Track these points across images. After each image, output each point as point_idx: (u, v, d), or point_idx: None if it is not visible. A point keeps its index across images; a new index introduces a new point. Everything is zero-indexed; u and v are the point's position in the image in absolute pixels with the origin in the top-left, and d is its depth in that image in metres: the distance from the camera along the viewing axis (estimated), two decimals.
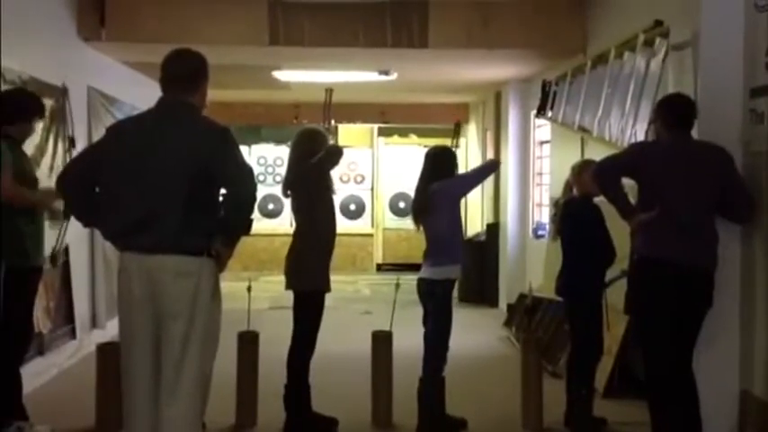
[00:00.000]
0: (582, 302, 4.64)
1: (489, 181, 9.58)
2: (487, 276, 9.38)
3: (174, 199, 3.16)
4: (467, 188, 4.91)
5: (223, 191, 3.30)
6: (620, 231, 4.28)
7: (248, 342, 4.79)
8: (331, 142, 4.87)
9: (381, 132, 13.10)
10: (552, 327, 6.33)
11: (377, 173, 13.08)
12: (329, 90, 5.28)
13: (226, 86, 8.72)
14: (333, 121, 5.37)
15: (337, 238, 4.70)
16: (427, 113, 11.60)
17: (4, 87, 5.01)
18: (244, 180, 3.27)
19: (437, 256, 4.65)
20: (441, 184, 4.67)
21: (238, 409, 4.72)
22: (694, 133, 3.92)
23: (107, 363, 4.45)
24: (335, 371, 5.66)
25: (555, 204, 5.04)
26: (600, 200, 4.34)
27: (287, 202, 11.77)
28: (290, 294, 4.65)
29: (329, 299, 4.66)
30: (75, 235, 5.83)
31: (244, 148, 9.89)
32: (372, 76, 8.59)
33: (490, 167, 4.97)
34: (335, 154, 4.59)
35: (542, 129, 8.50)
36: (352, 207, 12.88)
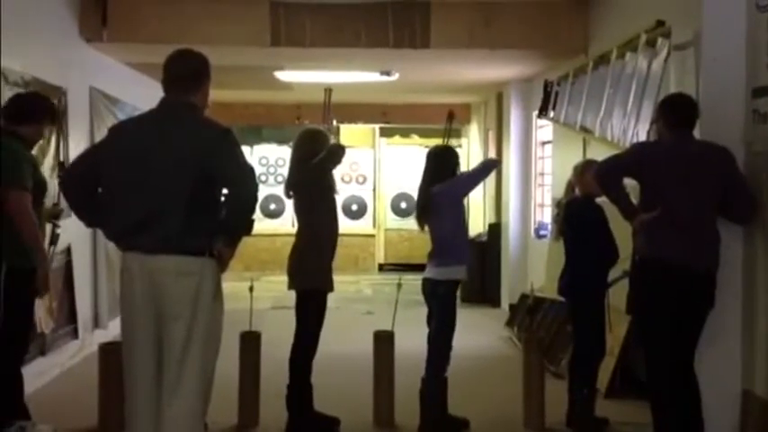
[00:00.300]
0: (584, 303, 4.64)
1: (491, 181, 9.58)
2: (489, 276, 9.38)
3: (176, 199, 3.16)
4: (468, 188, 4.91)
5: (225, 191, 3.31)
6: (622, 232, 4.28)
7: (250, 342, 4.79)
8: (332, 142, 4.87)
9: (383, 133, 13.11)
10: (554, 327, 6.33)
11: (378, 173, 13.09)
12: (328, 90, 5.28)
13: (227, 87, 8.73)
14: (334, 122, 5.36)
15: (339, 239, 4.70)
16: (429, 114, 11.59)
17: (7, 88, 5.02)
18: (245, 180, 3.27)
19: (441, 257, 4.66)
20: (442, 186, 4.67)
21: (240, 409, 4.72)
22: (696, 133, 3.91)
23: (109, 363, 4.45)
24: (337, 371, 5.66)
25: (557, 205, 5.04)
26: (602, 200, 4.33)
27: (288, 203, 11.79)
28: (292, 294, 4.66)
29: (331, 299, 4.66)
30: (78, 235, 5.84)
31: (245, 149, 9.85)
32: (374, 77, 8.59)
33: (490, 166, 4.98)
34: (337, 152, 4.60)
35: (544, 129, 8.49)
36: (354, 207, 12.89)
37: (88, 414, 4.60)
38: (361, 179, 13.04)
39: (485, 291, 9.35)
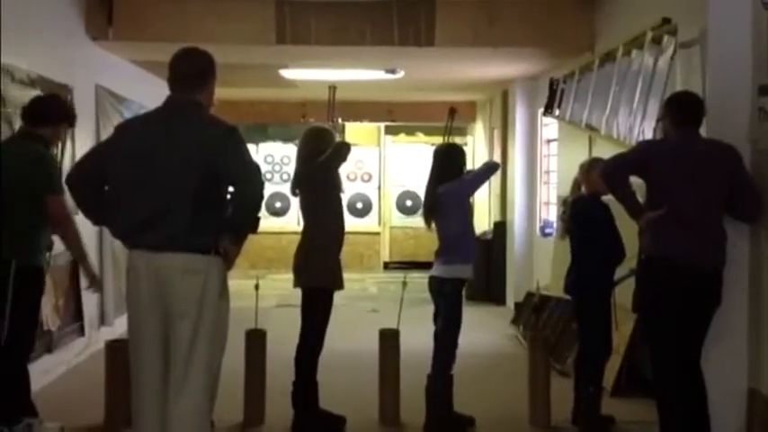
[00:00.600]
0: (591, 301, 4.64)
1: (496, 179, 9.58)
2: (495, 274, 9.38)
3: (182, 197, 3.17)
4: (472, 189, 4.90)
5: (231, 189, 3.31)
6: (629, 230, 4.27)
7: (256, 340, 4.80)
8: (338, 140, 4.88)
9: (388, 131, 13.11)
10: (560, 325, 6.32)
11: (384, 171, 13.09)
12: (333, 87, 5.28)
13: (233, 85, 8.72)
14: (339, 119, 5.36)
15: (344, 237, 4.71)
16: (434, 112, 11.55)
17: (13, 86, 5.04)
18: (251, 178, 3.27)
19: (448, 255, 4.67)
20: (449, 186, 4.68)
21: (246, 407, 4.73)
22: (703, 131, 3.91)
23: (116, 360, 4.46)
24: (343, 369, 5.67)
25: (564, 203, 5.04)
26: (609, 198, 4.33)
27: (294, 201, 11.80)
28: (297, 292, 4.66)
29: (336, 297, 4.67)
30: (84, 233, 5.83)
31: (251, 147, 9.89)
32: (379, 75, 8.59)
33: (492, 168, 4.97)
34: (343, 150, 4.60)
35: (549, 127, 8.49)
36: (359, 205, 12.89)
37: (95, 411, 4.61)
38: (366, 177, 13.05)
39: (490, 289, 9.34)
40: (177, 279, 3.17)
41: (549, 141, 8.66)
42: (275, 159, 12.94)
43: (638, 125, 5.09)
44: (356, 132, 12.44)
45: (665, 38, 4.90)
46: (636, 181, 3.93)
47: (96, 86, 6.78)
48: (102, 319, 6.80)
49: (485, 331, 7.51)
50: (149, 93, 7.10)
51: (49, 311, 5.49)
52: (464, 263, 4.69)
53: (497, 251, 9.43)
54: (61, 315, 5.86)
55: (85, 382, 5.42)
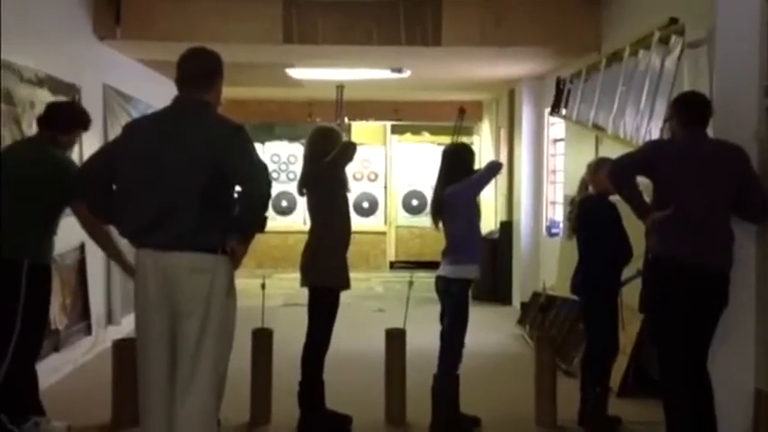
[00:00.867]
0: (598, 301, 4.63)
1: (503, 179, 9.57)
2: (501, 274, 9.37)
3: (190, 196, 3.18)
4: (478, 190, 4.87)
5: (238, 188, 3.32)
6: (636, 230, 4.26)
7: (262, 339, 4.81)
8: (344, 139, 4.88)
9: (394, 130, 13.10)
10: (566, 325, 6.32)
11: (390, 170, 13.09)
12: (340, 87, 5.28)
13: (240, 84, 8.74)
14: (346, 119, 5.37)
15: (351, 236, 4.71)
16: (440, 111, 11.58)
17: (22, 86, 5.06)
18: (258, 178, 3.28)
19: (454, 255, 4.68)
20: (455, 187, 4.69)
21: (253, 406, 4.74)
22: (710, 131, 3.90)
23: (123, 359, 4.48)
24: (349, 368, 5.68)
25: (570, 203, 5.04)
26: (616, 198, 4.33)
27: (300, 200, 11.80)
28: (303, 291, 4.67)
29: (342, 296, 4.67)
30: None
31: (257, 146, 9.88)
32: (385, 74, 8.59)
33: (494, 168, 4.96)
34: (349, 149, 4.61)
35: (556, 126, 8.48)
36: (366, 204, 12.89)
37: (102, 410, 4.63)
38: (372, 176, 13.05)
39: (496, 289, 9.34)
40: (184, 278, 3.19)
41: (555, 141, 8.65)
42: (282, 158, 12.95)
43: (645, 125, 5.08)
44: (362, 132, 12.44)
45: (673, 38, 4.89)
46: (643, 181, 3.93)
47: (104, 86, 6.80)
48: (110, 318, 6.82)
49: (491, 331, 7.51)
50: (157, 92, 7.13)
51: (56, 310, 5.50)
52: (471, 263, 4.69)
53: (504, 251, 9.42)
54: (68, 314, 5.88)
55: (93, 381, 5.44)
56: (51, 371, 5.35)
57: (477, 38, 6.75)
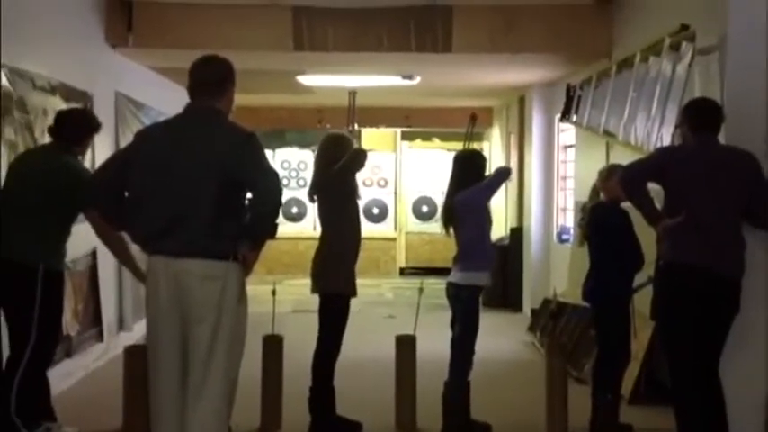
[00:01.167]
0: (609, 308, 4.62)
1: (513, 185, 9.56)
2: (511, 281, 9.35)
3: (201, 203, 3.20)
4: (487, 197, 4.86)
5: (249, 195, 3.33)
6: (647, 237, 4.25)
7: (273, 345, 4.81)
8: (355, 146, 4.89)
9: (404, 136, 13.12)
10: (577, 332, 6.30)
11: (400, 177, 13.10)
12: (353, 93, 5.29)
13: (251, 91, 8.78)
14: (356, 125, 5.38)
15: (361, 243, 4.72)
16: (451, 117, 11.59)
17: (35, 93, 5.10)
18: (269, 184, 3.29)
19: (464, 262, 4.68)
20: (465, 194, 4.70)
21: (263, 412, 4.75)
22: (721, 138, 3.89)
23: (134, 365, 4.48)
24: (360, 374, 5.68)
25: (582, 209, 5.03)
26: (627, 205, 4.32)
27: (310, 206, 11.81)
28: (314, 298, 4.68)
29: (353, 302, 4.68)
30: None
31: (268, 152, 9.93)
32: (396, 81, 8.61)
33: (504, 174, 4.96)
34: (360, 156, 4.62)
35: (567, 133, 8.47)
36: (376, 211, 12.90)
37: (113, 416, 4.64)
38: (382, 183, 13.06)
39: (506, 295, 9.32)
40: (196, 285, 3.20)
41: (566, 147, 8.63)
42: (292, 165, 12.98)
43: (656, 132, 5.07)
44: (372, 138, 12.46)
45: (684, 44, 4.88)
46: (654, 187, 3.92)
47: (116, 93, 6.84)
48: (121, 325, 6.85)
49: (501, 338, 7.49)
50: (168, 99, 7.16)
51: (68, 316, 5.53)
52: (481, 269, 4.69)
53: (514, 257, 9.41)
54: (80, 320, 5.90)
55: (104, 387, 5.46)
56: (63, 376, 5.37)
57: (487, 44, 6.76)
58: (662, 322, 4.03)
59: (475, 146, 7.52)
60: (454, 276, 4.71)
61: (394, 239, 12.91)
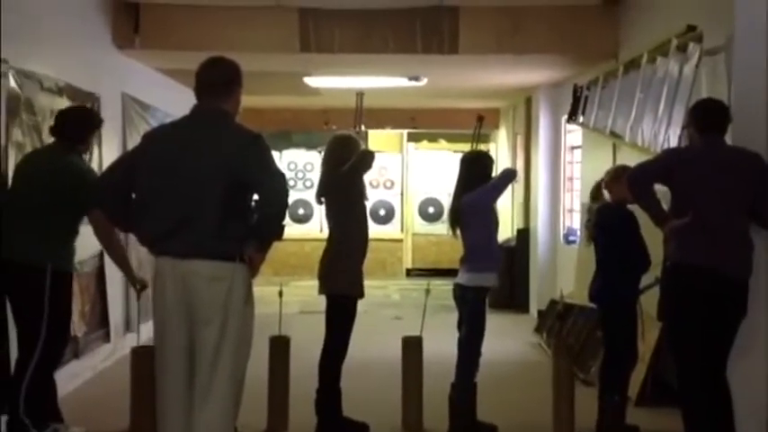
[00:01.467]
0: (615, 309, 4.61)
1: (519, 186, 9.55)
2: (518, 282, 9.34)
3: (208, 205, 3.20)
4: (493, 198, 4.86)
5: (256, 197, 3.34)
6: (654, 238, 4.24)
7: (279, 347, 4.82)
8: (362, 147, 4.89)
9: (411, 138, 13.12)
10: (583, 334, 6.29)
11: (406, 178, 13.09)
12: (360, 94, 5.29)
13: (257, 93, 8.78)
14: (363, 127, 5.38)
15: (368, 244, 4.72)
16: (457, 119, 11.59)
17: (42, 95, 5.11)
18: (276, 186, 3.30)
19: (471, 263, 4.68)
20: (471, 195, 4.69)
21: (270, 413, 4.75)
22: (728, 139, 3.88)
23: (141, 366, 4.49)
24: (366, 376, 5.68)
25: (588, 210, 5.02)
26: (634, 206, 4.31)
27: (317, 207, 11.81)
28: (320, 299, 4.68)
29: (359, 304, 4.68)
30: None
31: (274, 154, 9.93)
32: (402, 82, 8.61)
33: (510, 175, 4.95)
34: (367, 157, 4.62)
35: (573, 134, 8.45)
36: (382, 212, 12.90)
37: (120, 417, 4.65)
38: (388, 184, 13.06)
39: (513, 296, 9.31)
40: (203, 286, 3.20)
41: (572, 148, 8.62)
42: (298, 166, 12.99)
43: (663, 133, 5.06)
44: (379, 139, 12.46)
45: (691, 45, 4.87)
46: (660, 188, 3.91)
47: (123, 94, 6.86)
48: (128, 326, 6.86)
49: (508, 339, 7.48)
50: (175, 101, 7.17)
51: (75, 317, 5.54)
52: (488, 271, 4.69)
53: (521, 259, 9.40)
54: (87, 321, 5.92)
55: (111, 388, 5.47)
56: (70, 377, 5.39)
57: (493, 46, 6.75)
58: (669, 323, 4.02)
59: (482, 147, 7.53)
60: (461, 278, 4.71)
61: (400, 241, 12.91)
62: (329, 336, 4.63)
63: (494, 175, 5.02)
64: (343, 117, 8.94)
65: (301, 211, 12.68)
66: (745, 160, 3.75)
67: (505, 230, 10.41)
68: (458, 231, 4.82)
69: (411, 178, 13.08)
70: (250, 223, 3.30)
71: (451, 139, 12.75)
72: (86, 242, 4.66)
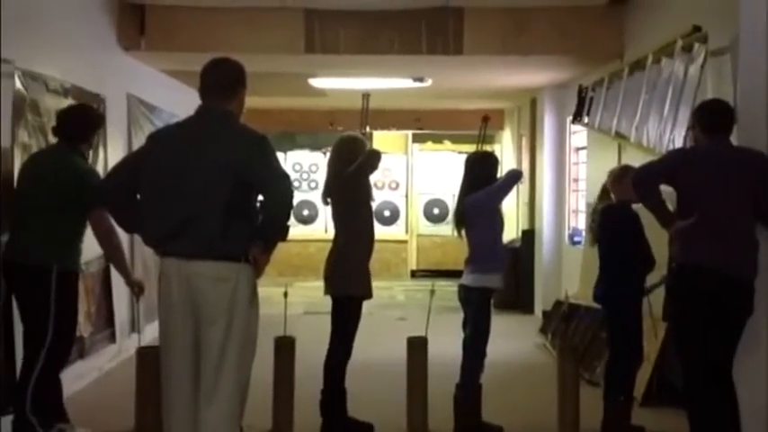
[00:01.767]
0: (620, 310, 4.61)
1: (525, 187, 9.55)
2: (523, 283, 9.33)
3: (213, 206, 3.21)
4: (498, 199, 4.86)
5: (260, 197, 3.34)
6: (659, 238, 4.24)
7: (284, 347, 4.82)
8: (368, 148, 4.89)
9: (416, 139, 13.12)
10: (589, 334, 6.28)
11: (411, 179, 13.09)
12: (366, 95, 5.29)
13: (262, 94, 8.78)
14: (368, 128, 5.38)
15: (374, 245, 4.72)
16: (462, 120, 11.58)
17: (48, 96, 5.13)
18: (280, 187, 3.31)
19: (475, 264, 4.69)
20: (476, 196, 4.70)
21: (275, 414, 4.75)
22: (733, 139, 3.87)
23: (146, 366, 4.49)
24: (371, 376, 5.67)
25: (593, 211, 5.02)
26: (638, 207, 4.30)
27: (322, 208, 11.81)
28: (326, 300, 4.69)
29: (364, 305, 4.68)
30: None
31: (279, 155, 9.96)
32: (407, 83, 8.61)
33: (515, 177, 4.95)
34: (374, 158, 4.63)
35: (578, 135, 8.45)
36: (387, 213, 12.90)
37: (125, 417, 4.65)
38: (393, 185, 13.06)
39: (518, 297, 9.30)
40: (208, 286, 3.21)
41: (578, 149, 8.61)
42: (303, 167, 13.00)
43: (669, 133, 5.05)
44: (384, 140, 12.45)
45: (696, 46, 4.86)
46: (666, 189, 3.91)
47: (128, 95, 6.87)
48: (133, 326, 6.87)
49: (513, 340, 7.47)
50: (180, 102, 7.19)
51: (81, 318, 5.55)
52: (492, 272, 4.68)
53: (526, 259, 9.39)
54: (93, 321, 5.93)
55: (116, 389, 5.47)
56: (76, 378, 5.40)
57: (498, 47, 6.75)
58: (674, 324, 4.02)
59: (487, 148, 7.53)
60: (466, 279, 4.71)
61: (405, 242, 12.91)
62: (334, 336, 4.64)
63: (499, 175, 5.02)
64: (349, 118, 8.95)
65: (306, 212, 12.69)
66: (750, 160, 3.75)
67: (510, 231, 10.40)
68: (463, 232, 4.82)
69: (416, 179, 13.08)
70: (255, 224, 3.30)
71: (456, 140, 12.75)
72: (92, 243, 4.66)
